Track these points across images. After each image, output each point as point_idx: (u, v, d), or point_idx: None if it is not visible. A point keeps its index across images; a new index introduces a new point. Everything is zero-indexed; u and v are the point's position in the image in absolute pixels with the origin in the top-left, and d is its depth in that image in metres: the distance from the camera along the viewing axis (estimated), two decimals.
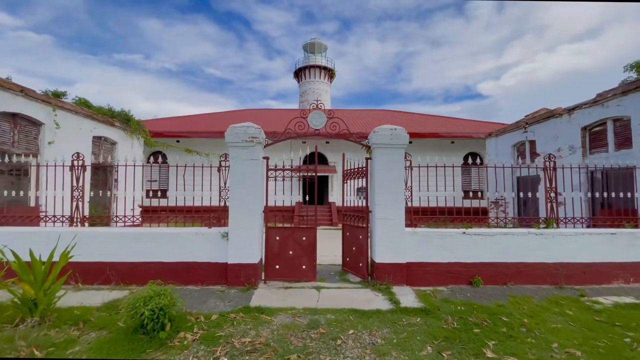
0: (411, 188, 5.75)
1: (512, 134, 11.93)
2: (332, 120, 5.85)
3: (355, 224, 6.02)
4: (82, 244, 5.53)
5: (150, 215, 6.13)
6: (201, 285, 5.44)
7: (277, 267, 5.59)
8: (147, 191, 15.74)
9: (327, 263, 7.21)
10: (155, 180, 16.45)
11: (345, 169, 6.35)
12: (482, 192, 15.14)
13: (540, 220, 6.01)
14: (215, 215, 5.74)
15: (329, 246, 9.63)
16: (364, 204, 5.86)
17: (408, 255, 5.52)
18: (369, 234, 5.71)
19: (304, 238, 5.64)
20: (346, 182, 6.41)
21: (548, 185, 5.96)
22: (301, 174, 5.76)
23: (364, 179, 5.91)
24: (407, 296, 4.96)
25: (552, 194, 5.97)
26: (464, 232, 5.63)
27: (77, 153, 5.87)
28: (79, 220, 5.80)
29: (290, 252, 5.61)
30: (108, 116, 10.99)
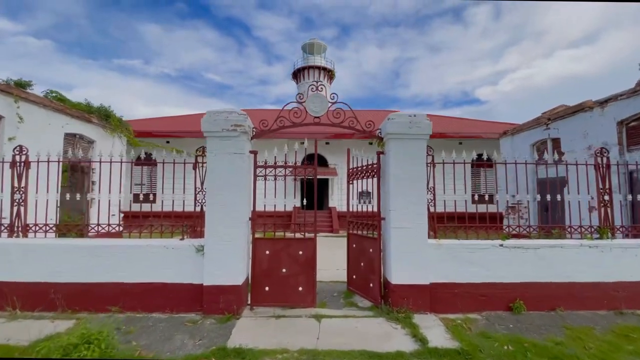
0: (434, 189, 4.63)
1: (530, 131, 10.85)
2: (335, 106, 4.75)
3: (364, 233, 4.90)
4: (24, 259, 4.40)
5: (132, 222, 5.01)
6: (170, 313, 4.28)
7: (267, 289, 4.44)
8: (136, 195, 14.64)
9: (328, 279, 6.06)
10: (145, 184, 15.30)
11: (351, 167, 5.24)
12: (491, 196, 13.92)
13: (571, 230, 4.88)
14: (190, 224, 4.61)
15: (331, 257, 8.49)
16: (371, 209, 4.73)
17: (432, 274, 4.38)
18: (381, 247, 4.58)
19: (300, 252, 4.50)
20: (351, 183, 5.30)
21: (601, 185, 4.85)
22: (299, 175, 4.63)
23: (374, 178, 4.79)
24: (434, 329, 3.81)
25: (606, 197, 4.86)
26: (501, 245, 4.50)
27: (20, 146, 4.75)
28: (20, 229, 4.65)
29: (284, 270, 4.47)
30: (84, 111, 9.88)
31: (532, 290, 4.48)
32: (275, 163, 4.61)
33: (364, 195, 5.09)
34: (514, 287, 4.47)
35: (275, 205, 4.62)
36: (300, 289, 4.46)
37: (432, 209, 4.61)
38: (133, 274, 4.35)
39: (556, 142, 9.77)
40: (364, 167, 4.95)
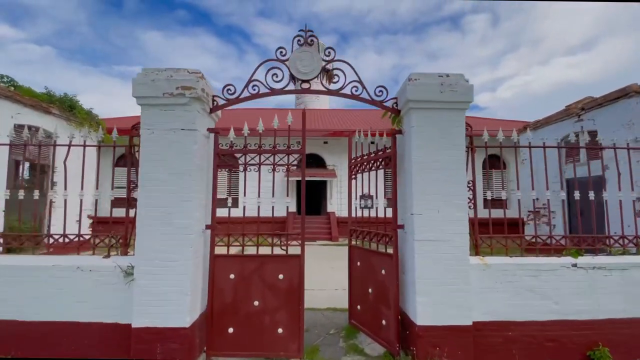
0: (473, 184, 3.21)
1: (557, 124, 9.48)
2: (332, 66, 3.35)
3: (373, 247, 3.47)
4: None
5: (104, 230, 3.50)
6: None
7: (231, 330, 2.99)
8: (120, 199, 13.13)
9: (323, 306, 4.61)
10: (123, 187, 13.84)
11: (355, 156, 3.85)
12: (498, 199, 12.45)
13: (623, 240, 3.44)
14: (118, 234, 3.16)
15: (329, 272, 7.03)
16: (376, 214, 3.31)
17: (475, 309, 2.94)
18: (398, 268, 3.14)
19: (280, 275, 3.06)
20: (355, 178, 3.89)
21: None
22: (279, 164, 3.19)
23: (387, 169, 3.38)
24: None
25: None
26: (574, 265, 3.06)
27: None
28: None
29: (256, 303, 3.03)
30: (42, 100, 8.50)
31: (621, 330, 3.04)
32: (245, 146, 3.19)
33: (365, 198, 3.69)
34: (595, 325, 3.03)
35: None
36: (280, 330, 3.01)
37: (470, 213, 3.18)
38: (33, 309, 2.92)
39: (592, 136, 8.39)
40: (373, 155, 3.54)
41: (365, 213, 3.69)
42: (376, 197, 3.52)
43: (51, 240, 3.21)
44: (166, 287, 2.81)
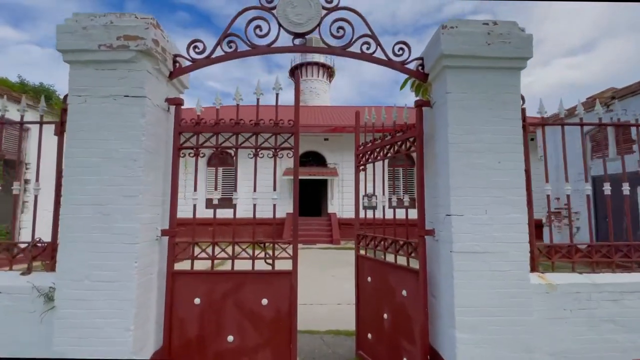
0: (528, 174, 2.36)
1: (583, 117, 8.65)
2: (335, 17, 2.48)
3: (390, 258, 2.62)
4: None
5: None
6: None
7: None
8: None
9: (322, 327, 3.78)
10: None
11: (363, 142, 3.01)
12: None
13: None
14: (41, 244, 2.31)
15: (330, 280, 6.19)
16: (382, 215, 2.46)
17: (538, 348, 2.09)
18: (427, 289, 2.29)
19: (264, 300, 2.22)
20: (363, 169, 3.04)
21: None
22: (262, 147, 2.34)
23: (411, 153, 2.53)
24: None
25: None
26: None
27: None
28: None
29: (230, 339, 2.18)
30: (15, 90, 7.70)
31: None
32: (217, 121, 2.35)
33: (371, 197, 2.86)
34: None
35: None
36: None
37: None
38: None
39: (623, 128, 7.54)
40: (389, 138, 2.69)
41: (370, 214, 2.86)
42: (395, 193, 2.68)
43: None
44: (100, 318, 1.97)
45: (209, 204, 12.86)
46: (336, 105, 22.96)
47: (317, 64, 28.21)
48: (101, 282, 1.98)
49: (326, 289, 5.57)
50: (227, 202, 10.85)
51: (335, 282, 6.11)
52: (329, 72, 29.19)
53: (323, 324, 3.88)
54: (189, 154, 2.31)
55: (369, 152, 2.96)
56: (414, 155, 2.41)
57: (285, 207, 12.67)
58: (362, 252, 3.00)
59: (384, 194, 2.64)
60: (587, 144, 8.67)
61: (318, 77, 28.51)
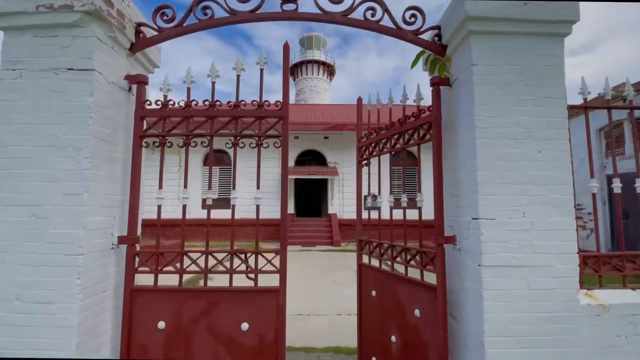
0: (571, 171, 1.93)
1: (596, 113, 8.21)
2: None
3: (398, 269, 2.19)
4: None
5: None
6: None
7: None
8: None
9: (320, 342, 3.36)
10: None
11: (367, 133, 2.58)
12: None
13: None
14: None
15: (329, 286, 5.76)
16: (381, 216, 2.03)
17: None
18: (446, 309, 1.86)
19: (244, 325, 1.79)
20: (366, 164, 2.62)
21: None
22: (243, 133, 1.91)
23: (425, 143, 2.11)
24: None
25: None
26: None
27: None
28: None
29: None
30: None
31: None
32: (188, 102, 1.92)
33: (374, 199, 2.44)
34: None
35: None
36: None
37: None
38: None
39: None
40: (398, 126, 2.25)
41: (374, 214, 2.43)
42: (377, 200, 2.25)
43: None
44: (33, 349, 1.55)
45: (203, 204, 12.47)
46: (336, 104, 22.56)
47: (317, 62, 27.89)
48: (35, 304, 1.56)
49: (325, 297, 5.15)
50: (223, 202, 10.42)
51: (335, 288, 5.68)
52: (329, 70, 28.82)
53: (321, 339, 3.46)
54: (154, 142, 1.89)
55: (373, 144, 2.53)
56: (421, 150, 1.98)
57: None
58: (365, 260, 2.58)
59: (390, 192, 2.21)
60: (600, 141, 8.24)
61: (318, 75, 28.14)
